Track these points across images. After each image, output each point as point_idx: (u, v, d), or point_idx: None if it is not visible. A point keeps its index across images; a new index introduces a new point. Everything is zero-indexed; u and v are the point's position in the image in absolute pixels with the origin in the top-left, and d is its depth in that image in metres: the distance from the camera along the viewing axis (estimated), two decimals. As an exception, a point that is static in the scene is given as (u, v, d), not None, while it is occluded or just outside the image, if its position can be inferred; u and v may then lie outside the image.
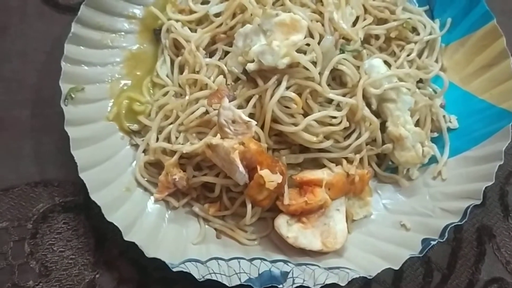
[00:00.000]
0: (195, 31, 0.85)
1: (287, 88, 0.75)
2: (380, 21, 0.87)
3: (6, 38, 0.90)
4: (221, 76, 0.80)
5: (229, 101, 0.75)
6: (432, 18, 0.92)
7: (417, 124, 0.83)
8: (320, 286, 0.70)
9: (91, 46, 0.84)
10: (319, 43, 0.77)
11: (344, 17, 0.82)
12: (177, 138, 0.79)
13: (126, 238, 0.71)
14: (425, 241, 0.73)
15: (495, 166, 0.77)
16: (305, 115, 0.76)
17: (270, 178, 0.71)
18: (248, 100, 0.77)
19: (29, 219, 0.80)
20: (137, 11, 0.89)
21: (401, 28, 0.87)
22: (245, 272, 0.72)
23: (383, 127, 0.81)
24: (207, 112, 0.78)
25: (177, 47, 0.86)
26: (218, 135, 0.74)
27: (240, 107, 0.77)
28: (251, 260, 0.74)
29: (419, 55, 0.88)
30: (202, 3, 0.87)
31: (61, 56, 0.80)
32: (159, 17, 0.87)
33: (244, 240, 0.77)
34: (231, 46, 0.82)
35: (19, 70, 0.89)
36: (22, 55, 0.90)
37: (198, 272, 0.71)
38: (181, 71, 0.84)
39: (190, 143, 0.77)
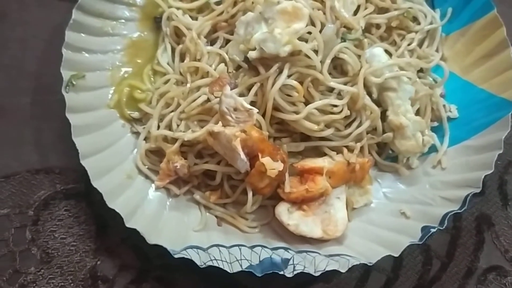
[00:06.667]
0: (196, 19, 0.85)
1: (289, 76, 0.76)
2: (381, 10, 0.87)
3: (5, 25, 0.90)
4: (222, 64, 0.80)
5: (231, 89, 0.75)
6: (433, 7, 0.92)
7: (417, 113, 0.83)
8: (320, 272, 0.71)
9: (92, 33, 0.84)
10: (320, 32, 0.77)
11: (346, 5, 0.82)
12: (178, 125, 0.79)
13: (128, 225, 0.71)
14: (425, 229, 0.74)
15: (494, 155, 0.77)
16: (306, 103, 0.76)
17: (271, 166, 0.71)
18: (249, 88, 0.77)
19: (31, 206, 0.79)
20: (138, -2, 0.88)
21: (402, 17, 0.87)
22: (246, 259, 0.72)
23: (383, 116, 0.81)
24: (208, 100, 0.78)
25: (178, 35, 0.86)
26: (220, 123, 0.74)
27: (241, 95, 0.76)
28: (252, 247, 0.74)
29: (420, 44, 0.89)
30: (203, -9, 0.87)
31: (61, 43, 0.80)
32: (160, 4, 0.87)
33: (245, 227, 0.78)
34: (232, 34, 0.82)
35: (19, 57, 0.88)
36: (22, 42, 0.89)
37: (199, 259, 0.71)
38: (182, 59, 0.84)
39: (192, 131, 0.77)
